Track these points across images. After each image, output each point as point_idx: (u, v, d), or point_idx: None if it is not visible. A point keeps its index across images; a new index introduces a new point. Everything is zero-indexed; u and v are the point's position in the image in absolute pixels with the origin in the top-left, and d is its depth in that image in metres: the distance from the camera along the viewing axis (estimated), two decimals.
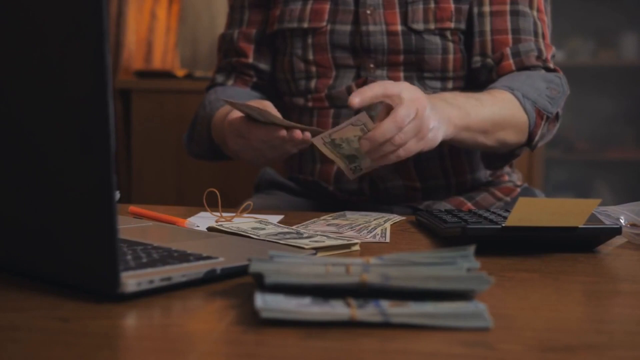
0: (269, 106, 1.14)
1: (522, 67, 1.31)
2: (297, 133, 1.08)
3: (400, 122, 1.02)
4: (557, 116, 1.32)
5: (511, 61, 1.30)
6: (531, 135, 1.27)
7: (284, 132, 1.08)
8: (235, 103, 1.10)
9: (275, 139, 1.09)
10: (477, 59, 1.32)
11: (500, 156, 1.35)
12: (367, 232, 0.99)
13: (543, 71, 1.32)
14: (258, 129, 1.10)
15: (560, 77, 1.32)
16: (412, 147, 1.05)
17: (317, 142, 1.08)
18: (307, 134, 1.09)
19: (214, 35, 2.85)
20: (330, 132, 1.06)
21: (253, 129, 1.11)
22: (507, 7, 1.32)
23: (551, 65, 1.33)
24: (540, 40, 1.33)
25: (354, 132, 1.05)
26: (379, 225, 1.03)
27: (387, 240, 0.96)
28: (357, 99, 1.03)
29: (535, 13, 1.33)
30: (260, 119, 1.10)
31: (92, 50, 0.61)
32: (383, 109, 1.07)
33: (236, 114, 1.15)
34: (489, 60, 1.31)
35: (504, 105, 1.22)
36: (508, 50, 1.30)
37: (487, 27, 1.31)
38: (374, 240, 0.95)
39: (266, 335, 0.57)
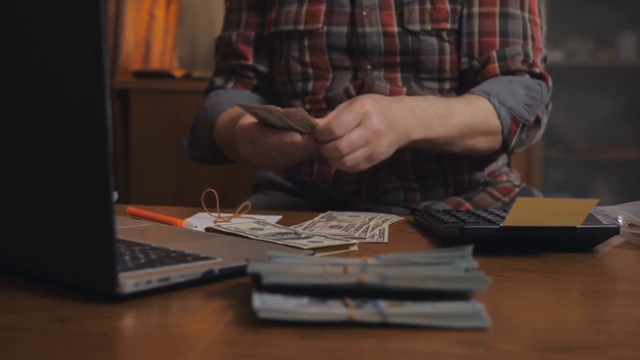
0: (284, 111, 1.12)
1: (506, 71, 1.30)
2: (310, 139, 1.08)
3: (347, 147, 1.05)
4: (538, 123, 1.31)
5: (496, 65, 1.30)
6: (506, 142, 1.27)
7: (298, 138, 1.08)
8: (249, 106, 1.08)
9: (288, 145, 1.08)
10: (464, 60, 1.32)
11: (475, 159, 1.35)
12: (364, 232, 0.99)
13: (527, 76, 1.31)
14: (270, 135, 1.09)
15: (540, 85, 1.31)
16: (361, 166, 1.09)
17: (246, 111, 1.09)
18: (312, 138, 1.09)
19: (212, 36, 2.84)
20: (247, 106, 1.07)
21: (264, 135, 1.10)
22: (497, 9, 1.31)
23: (537, 70, 1.32)
24: (529, 43, 1.32)
25: (271, 117, 1.06)
26: (377, 226, 1.03)
27: (386, 240, 0.96)
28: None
29: (526, 15, 1.33)
30: (276, 123, 1.08)
31: (90, 51, 0.61)
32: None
33: (248, 119, 1.13)
34: (475, 63, 1.31)
35: (477, 112, 1.22)
36: (494, 54, 1.30)
37: (475, 29, 1.31)
38: (372, 240, 0.95)
39: (264, 335, 0.57)
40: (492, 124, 1.24)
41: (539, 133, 1.34)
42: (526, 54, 1.31)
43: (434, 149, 1.25)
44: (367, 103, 1.08)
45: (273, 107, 1.05)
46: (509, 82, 1.28)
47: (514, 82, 1.28)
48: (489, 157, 1.34)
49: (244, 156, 1.19)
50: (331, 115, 1.08)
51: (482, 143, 1.25)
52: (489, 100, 1.24)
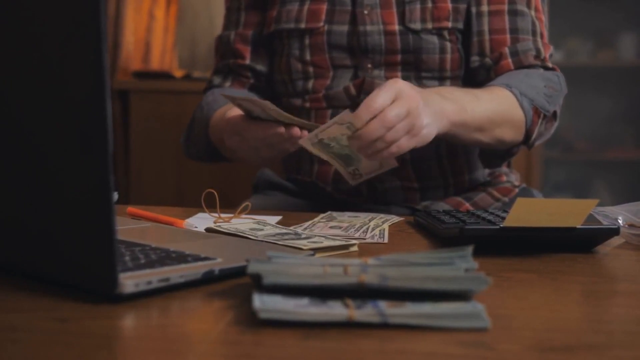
0: (268, 104, 1.12)
1: (520, 67, 1.31)
2: (296, 130, 1.07)
3: (388, 121, 1.00)
4: (554, 115, 1.32)
5: (509, 60, 1.30)
6: (528, 133, 1.27)
7: (282, 129, 1.07)
8: (235, 97, 1.09)
9: (273, 136, 1.08)
10: (475, 58, 1.32)
11: (497, 154, 1.35)
12: (364, 232, 0.99)
13: (541, 70, 1.32)
14: (255, 127, 1.10)
15: (558, 76, 1.32)
16: (405, 144, 1.03)
17: (305, 143, 1.06)
18: (305, 132, 1.08)
19: (212, 36, 2.84)
20: (316, 132, 1.05)
21: (250, 127, 1.11)
22: (505, 7, 1.32)
23: (549, 65, 1.34)
24: (539, 39, 1.33)
25: (341, 130, 1.03)
26: (377, 226, 1.03)
27: (386, 240, 0.96)
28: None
29: (533, 12, 1.33)
30: (260, 115, 1.09)
31: (90, 51, 0.61)
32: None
33: (235, 111, 1.14)
34: (487, 60, 1.31)
35: (501, 102, 1.21)
36: (506, 50, 1.30)
37: (485, 27, 1.31)
38: (372, 241, 0.95)
39: (264, 335, 0.58)
40: (516, 114, 1.23)
41: (555, 126, 1.34)
42: (538, 50, 1.32)
43: (465, 140, 1.20)
44: (398, 81, 1.04)
45: (256, 98, 1.06)
46: (526, 75, 1.28)
47: (531, 75, 1.28)
48: (510, 151, 1.32)
49: (231, 148, 1.20)
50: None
51: (508, 133, 1.24)
52: (510, 91, 1.23)
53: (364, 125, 1.01)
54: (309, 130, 1.08)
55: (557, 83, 1.31)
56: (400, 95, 1.02)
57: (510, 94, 1.23)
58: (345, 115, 1.01)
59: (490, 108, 1.18)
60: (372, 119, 1.00)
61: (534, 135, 1.27)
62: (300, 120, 1.08)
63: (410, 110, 1.02)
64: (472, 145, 1.29)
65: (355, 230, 0.99)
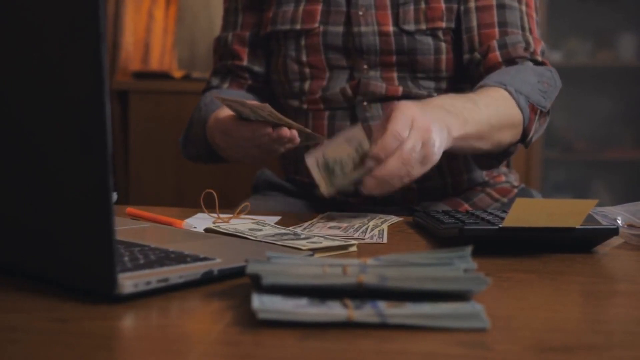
0: (257, 105, 1.10)
1: (508, 59, 1.28)
2: (284, 131, 1.08)
3: (406, 159, 0.97)
4: (547, 111, 1.30)
5: (497, 53, 1.28)
6: (525, 132, 1.24)
7: (269, 130, 1.08)
8: (224, 99, 1.10)
9: (261, 137, 1.09)
10: (466, 56, 1.31)
11: (494, 156, 1.33)
12: (363, 233, 0.99)
13: (531, 64, 1.29)
14: (243, 127, 1.11)
15: (551, 71, 1.30)
16: (416, 173, 1.01)
17: (311, 163, 1.04)
18: (294, 132, 1.09)
19: (211, 37, 2.84)
20: (323, 151, 1.03)
21: (238, 127, 1.12)
22: (493, 1, 1.30)
23: (539, 58, 1.30)
24: (528, 34, 1.31)
25: (348, 151, 1.01)
26: (376, 227, 1.03)
27: (385, 241, 0.96)
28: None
29: (523, 7, 1.32)
30: (250, 116, 1.10)
31: (90, 51, 0.61)
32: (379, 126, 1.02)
33: (225, 111, 1.15)
34: (476, 54, 1.30)
35: (500, 104, 1.19)
36: (494, 43, 1.29)
37: (474, 23, 1.31)
38: (371, 241, 0.95)
39: (263, 336, 0.58)
40: (515, 114, 1.20)
41: (547, 121, 1.31)
42: (527, 42, 1.30)
43: (466, 150, 1.19)
44: (409, 107, 1.01)
45: (245, 100, 1.07)
46: (517, 70, 1.25)
47: (523, 70, 1.26)
48: (507, 151, 1.31)
49: (221, 147, 1.20)
50: (376, 133, 1.01)
51: (507, 136, 1.21)
52: (506, 90, 1.20)
53: (383, 165, 0.98)
54: (300, 132, 1.08)
55: (550, 78, 1.28)
56: (414, 124, 0.99)
57: (507, 94, 1.20)
58: (356, 132, 0.99)
59: (489, 114, 1.15)
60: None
61: (531, 133, 1.25)
62: (290, 121, 1.08)
63: (424, 142, 0.99)
64: (472, 153, 1.27)
65: (354, 231, 0.99)
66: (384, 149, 0.97)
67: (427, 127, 0.99)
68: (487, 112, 1.15)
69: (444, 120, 1.06)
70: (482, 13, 1.30)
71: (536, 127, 1.25)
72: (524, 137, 1.25)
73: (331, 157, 1.03)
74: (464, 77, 1.34)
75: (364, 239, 0.95)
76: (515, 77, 1.23)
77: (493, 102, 1.18)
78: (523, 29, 1.31)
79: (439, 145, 1.02)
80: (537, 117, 1.24)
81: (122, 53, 2.77)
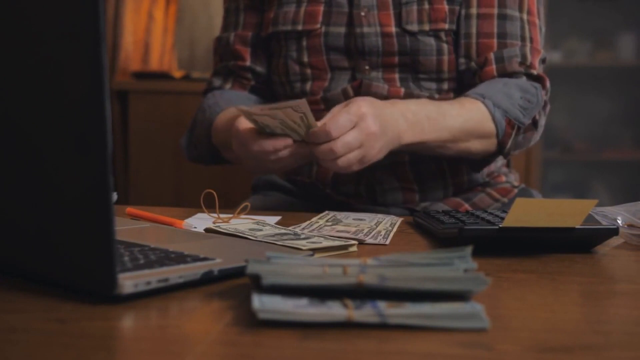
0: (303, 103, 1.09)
1: (504, 73, 1.30)
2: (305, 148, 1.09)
3: (337, 151, 1.05)
4: (535, 124, 1.31)
5: (494, 67, 1.30)
6: (501, 144, 1.27)
7: (290, 142, 1.08)
8: (249, 112, 1.06)
9: (279, 151, 1.09)
10: (462, 61, 1.32)
11: (473, 162, 1.35)
12: (374, 238, 0.97)
13: (524, 78, 1.31)
14: (261, 140, 1.09)
15: (536, 87, 1.31)
16: (352, 168, 1.09)
17: (245, 113, 1.07)
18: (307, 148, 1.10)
19: (211, 36, 2.84)
20: (251, 112, 1.05)
21: (256, 139, 1.10)
22: (495, 10, 1.31)
23: (534, 72, 1.32)
24: (527, 44, 1.32)
25: (293, 116, 1.04)
26: (384, 229, 1.02)
27: (387, 242, 0.96)
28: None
29: (525, 16, 1.32)
30: (275, 130, 1.08)
31: (89, 52, 0.61)
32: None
33: (244, 122, 1.12)
34: (473, 64, 1.31)
35: (471, 115, 1.22)
36: (492, 56, 1.30)
37: (474, 30, 1.31)
38: (373, 241, 0.95)
39: (263, 336, 0.58)
40: (486, 126, 1.24)
41: (537, 135, 1.34)
42: (524, 56, 1.31)
43: (426, 152, 1.24)
44: (363, 106, 1.08)
45: (275, 110, 1.04)
46: (504, 84, 1.27)
47: (510, 85, 1.28)
48: (485, 159, 1.33)
49: (237, 158, 1.19)
50: (326, 117, 1.08)
51: (476, 146, 1.25)
52: (483, 103, 1.23)
53: (318, 144, 1.06)
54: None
55: (534, 95, 1.29)
56: (359, 124, 1.06)
57: (483, 106, 1.23)
58: (302, 103, 1.02)
59: (455, 124, 1.20)
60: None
61: (507, 146, 1.27)
62: (313, 123, 1.07)
63: (364, 144, 1.07)
64: (437, 156, 1.29)
65: (364, 235, 0.97)
66: (325, 134, 1.05)
67: (370, 132, 1.07)
68: (453, 122, 1.20)
69: (396, 126, 1.14)
70: (482, 21, 1.31)
71: (518, 141, 1.29)
72: (501, 149, 1.28)
73: (259, 119, 1.06)
74: (458, 78, 1.34)
75: (364, 240, 0.95)
76: (500, 91, 1.26)
77: (465, 113, 1.22)
78: (523, 39, 1.31)
79: (379, 148, 1.10)
80: (514, 132, 1.26)
81: (122, 53, 2.77)
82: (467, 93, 1.27)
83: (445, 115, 1.20)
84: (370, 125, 1.07)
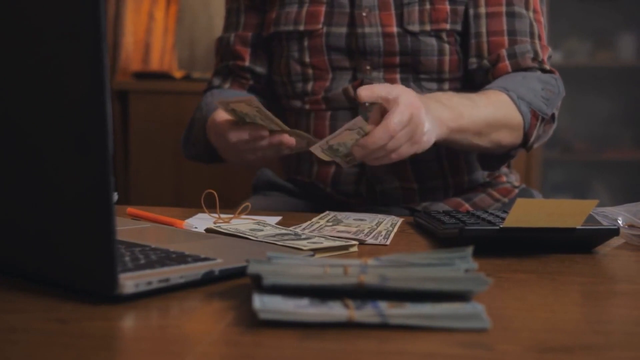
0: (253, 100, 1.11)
1: (517, 69, 1.31)
2: (286, 138, 1.09)
3: (393, 130, 1.02)
4: (552, 117, 1.32)
5: (507, 62, 1.30)
6: (526, 136, 1.27)
7: (266, 133, 1.09)
8: (228, 102, 1.10)
9: (255, 141, 1.10)
10: (473, 60, 1.32)
11: (496, 157, 1.35)
12: (375, 238, 0.97)
13: (539, 72, 1.32)
14: (238, 130, 1.11)
15: (555, 79, 1.32)
16: (405, 150, 1.06)
17: (316, 151, 1.08)
18: (288, 138, 1.10)
19: (211, 37, 2.85)
20: (327, 140, 1.06)
21: (235, 131, 1.12)
22: (503, 9, 1.32)
23: (547, 67, 1.33)
24: (537, 41, 1.33)
25: (351, 136, 1.05)
26: (385, 230, 1.02)
27: (388, 243, 0.96)
28: (366, 92, 1.04)
29: (531, 14, 1.33)
30: (255, 119, 1.10)
31: (90, 52, 0.61)
32: (377, 110, 1.07)
33: (221, 114, 1.15)
34: (485, 62, 1.31)
35: (499, 106, 1.22)
36: (504, 52, 1.30)
37: (483, 29, 1.31)
38: (374, 242, 0.95)
39: (264, 336, 0.58)
40: (514, 117, 1.24)
41: (553, 128, 1.34)
42: (535, 52, 1.31)
43: (464, 145, 1.22)
44: (398, 86, 1.07)
45: (252, 98, 1.07)
46: (523, 77, 1.28)
47: (529, 77, 1.28)
48: (508, 153, 1.33)
49: (220, 153, 1.21)
50: (374, 115, 1.07)
51: (506, 137, 1.25)
52: (507, 94, 1.23)
53: (369, 134, 1.03)
54: (301, 138, 1.09)
55: (554, 86, 1.31)
56: (402, 101, 1.03)
57: (508, 98, 1.23)
58: (357, 121, 1.02)
59: (487, 113, 1.19)
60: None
61: (532, 138, 1.28)
62: (286, 128, 1.09)
63: (413, 118, 1.04)
64: (471, 149, 1.29)
65: (364, 236, 0.97)
66: (375, 124, 1.03)
67: (415, 104, 1.04)
68: (485, 110, 1.19)
69: (437, 111, 1.11)
70: (491, 19, 1.31)
71: (539, 133, 1.29)
72: (525, 142, 1.28)
73: (334, 142, 1.07)
74: (467, 79, 1.34)
75: (365, 240, 0.95)
76: (520, 84, 1.26)
77: (492, 103, 1.21)
78: (532, 36, 1.32)
79: (428, 127, 1.06)
80: (538, 123, 1.26)
81: (122, 53, 2.77)
82: (487, 87, 1.26)
83: (477, 103, 1.19)
84: (412, 99, 1.04)
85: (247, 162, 1.20)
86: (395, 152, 1.05)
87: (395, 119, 1.02)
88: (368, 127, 1.04)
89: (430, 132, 1.07)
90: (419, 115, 1.04)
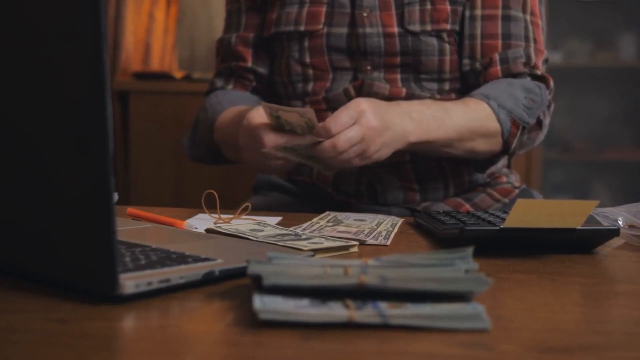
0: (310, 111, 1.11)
1: (508, 74, 1.31)
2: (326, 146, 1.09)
3: (341, 147, 1.06)
4: (540, 124, 1.31)
5: (498, 68, 1.30)
6: (506, 144, 1.27)
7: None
8: (273, 106, 1.09)
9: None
10: (466, 61, 1.32)
11: (478, 161, 1.35)
12: (375, 238, 0.97)
13: (528, 78, 1.32)
14: (276, 136, 1.10)
15: (540, 87, 1.31)
16: (355, 163, 1.10)
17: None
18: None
19: (211, 37, 2.85)
20: (277, 108, 1.08)
21: (271, 134, 1.10)
22: (499, 12, 1.32)
23: (539, 72, 1.33)
24: (531, 45, 1.33)
25: (299, 121, 1.07)
26: (386, 230, 1.02)
27: (388, 243, 0.96)
28: (333, 123, 1.06)
29: (528, 17, 1.33)
30: (296, 129, 1.09)
31: (90, 52, 0.61)
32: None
33: (259, 116, 1.12)
34: (477, 65, 1.31)
35: (475, 115, 1.23)
36: (496, 57, 1.30)
37: (478, 31, 1.31)
38: (374, 242, 0.95)
39: (264, 336, 0.58)
40: (491, 126, 1.24)
41: (541, 135, 1.34)
42: (528, 57, 1.31)
43: (433, 153, 1.24)
44: (363, 102, 1.09)
45: (309, 110, 1.07)
46: (508, 84, 1.28)
47: (514, 85, 1.28)
48: (490, 159, 1.34)
49: (241, 154, 1.19)
50: (328, 119, 1.09)
51: (481, 145, 1.25)
52: (487, 103, 1.24)
53: (318, 135, 1.07)
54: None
55: (538, 95, 1.30)
56: (359, 119, 1.07)
57: (487, 106, 1.24)
58: (308, 111, 1.06)
59: (461, 124, 1.20)
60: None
61: (512, 146, 1.28)
62: (320, 140, 1.08)
63: (365, 138, 1.07)
64: (443, 156, 1.29)
65: (365, 236, 0.97)
66: (325, 131, 1.06)
67: (370, 124, 1.07)
68: (458, 122, 1.20)
69: (401, 124, 1.13)
70: (486, 22, 1.31)
71: (522, 140, 1.30)
72: (506, 149, 1.29)
73: (283, 116, 1.09)
74: (461, 79, 1.34)
75: (365, 241, 0.95)
76: (504, 91, 1.27)
77: (470, 112, 1.23)
78: (527, 39, 1.32)
79: (381, 144, 1.10)
80: (519, 132, 1.27)
81: (122, 53, 2.77)
82: (470, 94, 1.27)
83: (451, 114, 1.20)
84: (370, 120, 1.07)
85: (269, 169, 1.19)
86: (345, 163, 1.08)
87: (345, 136, 1.06)
88: (318, 125, 1.07)
89: (384, 149, 1.11)
90: (372, 137, 1.07)
